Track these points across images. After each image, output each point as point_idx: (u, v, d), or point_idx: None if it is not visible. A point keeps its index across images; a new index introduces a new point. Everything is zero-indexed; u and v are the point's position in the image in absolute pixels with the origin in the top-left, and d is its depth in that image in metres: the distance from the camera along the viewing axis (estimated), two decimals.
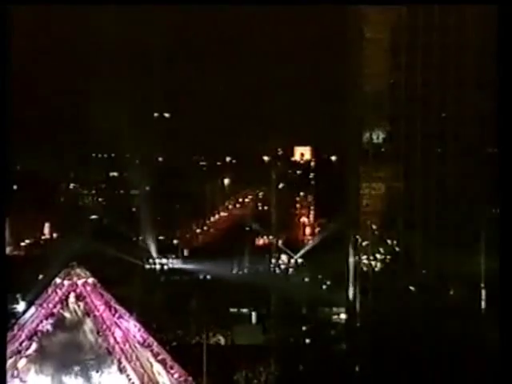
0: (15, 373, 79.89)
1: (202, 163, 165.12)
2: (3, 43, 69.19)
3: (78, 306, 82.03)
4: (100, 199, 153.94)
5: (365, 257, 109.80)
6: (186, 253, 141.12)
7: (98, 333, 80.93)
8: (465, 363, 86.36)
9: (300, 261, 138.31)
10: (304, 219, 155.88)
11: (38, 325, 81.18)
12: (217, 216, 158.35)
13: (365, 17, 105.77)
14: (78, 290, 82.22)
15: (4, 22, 69.65)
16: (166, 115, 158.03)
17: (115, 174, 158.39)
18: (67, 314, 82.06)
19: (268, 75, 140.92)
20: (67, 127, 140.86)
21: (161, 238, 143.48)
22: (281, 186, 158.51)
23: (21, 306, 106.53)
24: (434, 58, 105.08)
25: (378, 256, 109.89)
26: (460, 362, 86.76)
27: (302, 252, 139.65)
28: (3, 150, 69.26)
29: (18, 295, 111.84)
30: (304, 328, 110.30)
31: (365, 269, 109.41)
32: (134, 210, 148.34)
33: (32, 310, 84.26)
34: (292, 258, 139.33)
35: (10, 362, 79.59)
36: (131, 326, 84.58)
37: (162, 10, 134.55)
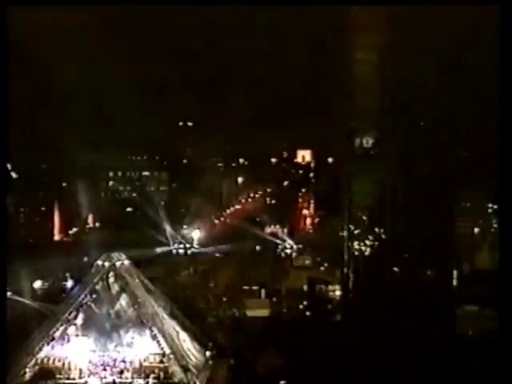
0: (65, 338, 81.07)
1: (219, 164, 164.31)
2: (3, 43, 61.86)
3: (116, 284, 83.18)
4: (134, 194, 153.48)
5: (356, 243, 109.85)
6: (205, 239, 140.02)
7: (132, 306, 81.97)
8: (435, 326, 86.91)
9: (301, 246, 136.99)
10: (305, 212, 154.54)
11: (83, 299, 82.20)
12: (232, 209, 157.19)
13: (355, 41, 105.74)
14: (116, 271, 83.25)
15: (4, 22, 61.80)
16: (189, 124, 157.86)
17: (147, 173, 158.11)
18: (107, 291, 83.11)
19: (274, 88, 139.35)
20: (108, 131, 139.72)
21: (185, 227, 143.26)
22: (285, 183, 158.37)
23: (69, 284, 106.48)
24: (412, 75, 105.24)
25: (367, 242, 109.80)
26: (431, 324, 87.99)
27: (303, 239, 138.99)
28: (3, 150, 63.54)
29: (68, 274, 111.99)
30: (305, 302, 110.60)
31: (356, 253, 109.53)
32: (162, 203, 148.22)
33: (78, 287, 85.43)
34: (294, 244, 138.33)
35: (61, 329, 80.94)
36: (160, 301, 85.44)
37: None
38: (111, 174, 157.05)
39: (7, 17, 64.02)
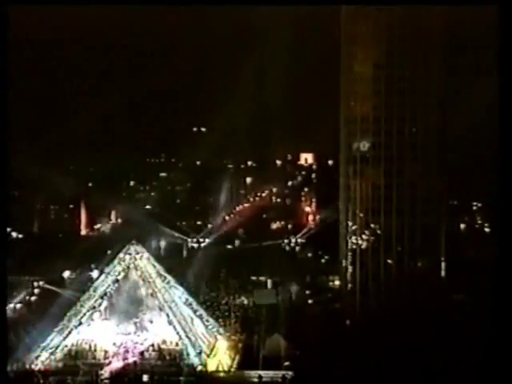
0: (91, 323, 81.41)
1: (229, 166, 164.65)
2: (3, 43, 56.90)
3: (136, 274, 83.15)
4: (152, 193, 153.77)
5: (354, 237, 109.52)
6: (217, 233, 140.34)
7: (151, 295, 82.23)
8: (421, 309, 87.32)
9: (304, 240, 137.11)
10: (307, 209, 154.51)
11: (107, 288, 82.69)
12: (241, 206, 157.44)
13: (354, 55, 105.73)
14: (136, 262, 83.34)
15: (4, 21, 56.77)
16: (203, 129, 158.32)
17: (164, 174, 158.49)
18: (128, 281, 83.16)
19: (280, 97, 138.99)
20: (127, 136, 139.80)
21: (198, 222, 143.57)
22: (289, 183, 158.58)
23: (95, 274, 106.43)
24: (404, 86, 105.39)
25: (363, 237, 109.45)
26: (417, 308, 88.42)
27: (305, 234, 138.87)
28: (4, 152, 59.30)
29: (93, 265, 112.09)
30: (307, 292, 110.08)
31: (354, 247, 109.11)
32: (178, 201, 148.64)
33: (103, 276, 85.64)
34: (298, 238, 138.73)
35: (87, 315, 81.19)
36: (176, 290, 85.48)
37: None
38: (132, 175, 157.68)
39: (7, 17, 59.23)
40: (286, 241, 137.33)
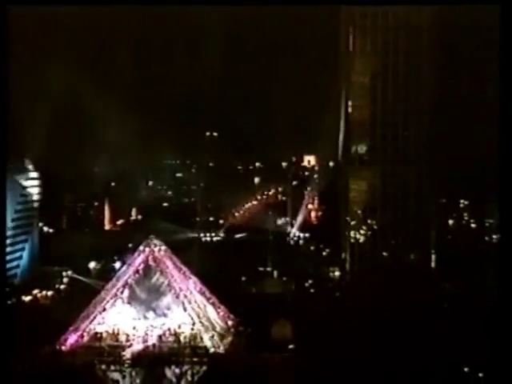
0: (114, 309, 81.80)
1: (239, 167, 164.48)
2: (3, 43, 53.42)
3: (155, 266, 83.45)
4: (169, 192, 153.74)
5: (352, 232, 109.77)
6: (228, 228, 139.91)
7: (168, 284, 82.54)
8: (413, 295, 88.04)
9: (307, 235, 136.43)
10: (310, 206, 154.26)
11: (128, 278, 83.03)
12: (250, 204, 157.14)
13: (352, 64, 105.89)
14: (154, 255, 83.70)
15: (4, 21, 53.08)
16: (215, 134, 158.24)
17: (180, 174, 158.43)
18: (147, 271, 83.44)
19: (284, 106, 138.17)
20: (145, 141, 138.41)
21: (211, 218, 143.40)
22: (294, 183, 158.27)
23: (117, 264, 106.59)
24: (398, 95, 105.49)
25: (361, 232, 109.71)
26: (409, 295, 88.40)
27: (308, 229, 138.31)
28: (3, 151, 56.42)
29: (116, 257, 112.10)
30: (310, 281, 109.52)
31: (352, 241, 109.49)
32: (192, 200, 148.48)
33: (124, 267, 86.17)
34: (301, 233, 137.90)
35: (110, 302, 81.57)
36: (190, 280, 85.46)
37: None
38: (150, 175, 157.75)
39: (7, 17, 55.59)
40: (290, 235, 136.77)
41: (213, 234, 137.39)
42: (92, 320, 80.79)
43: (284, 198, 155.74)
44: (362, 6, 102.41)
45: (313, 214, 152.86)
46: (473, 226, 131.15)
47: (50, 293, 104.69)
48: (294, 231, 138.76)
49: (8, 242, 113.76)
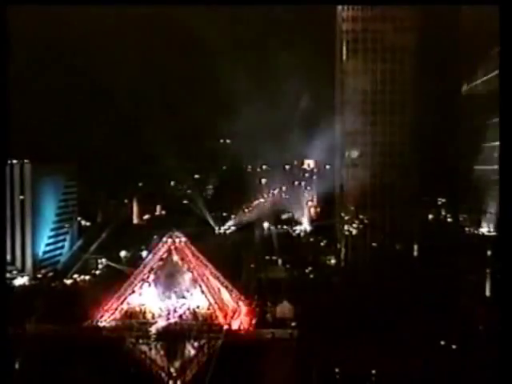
0: (142, 291, 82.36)
1: (248, 169, 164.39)
2: (3, 43, 47.63)
3: (176, 255, 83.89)
4: (188, 191, 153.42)
5: (346, 226, 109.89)
6: (239, 223, 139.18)
7: (188, 270, 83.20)
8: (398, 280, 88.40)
9: (307, 228, 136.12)
10: (310, 203, 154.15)
11: (154, 264, 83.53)
12: (257, 201, 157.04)
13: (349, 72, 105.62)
14: (176, 245, 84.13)
15: (4, 21, 47.28)
16: (228, 141, 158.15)
17: (197, 176, 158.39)
18: (170, 259, 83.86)
19: (287, 116, 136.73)
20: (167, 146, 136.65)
21: (224, 214, 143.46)
22: (296, 183, 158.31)
23: (144, 253, 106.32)
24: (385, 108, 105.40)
25: (354, 225, 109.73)
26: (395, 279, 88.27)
27: (308, 223, 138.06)
28: (3, 151, 50.91)
29: (143, 247, 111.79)
30: (309, 268, 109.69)
31: (346, 233, 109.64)
32: (209, 198, 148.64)
33: (150, 255, 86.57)
34: (302, 226, 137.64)
35: (138, 285, 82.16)
36: (207, 266, 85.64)
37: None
38: (172, 176, 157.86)
39: (7, 16, 48.65)
40: (292, 229, 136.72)
41: (226, 228, 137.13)
42: (123, 300, 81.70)
43: (287, 197, 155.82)
44: (361, 6, 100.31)
45: (312, 210, 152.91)
46: (449, 220, 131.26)
47: (87, 277, 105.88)
48: (296, 225, 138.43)
49: (52, 233, 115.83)
